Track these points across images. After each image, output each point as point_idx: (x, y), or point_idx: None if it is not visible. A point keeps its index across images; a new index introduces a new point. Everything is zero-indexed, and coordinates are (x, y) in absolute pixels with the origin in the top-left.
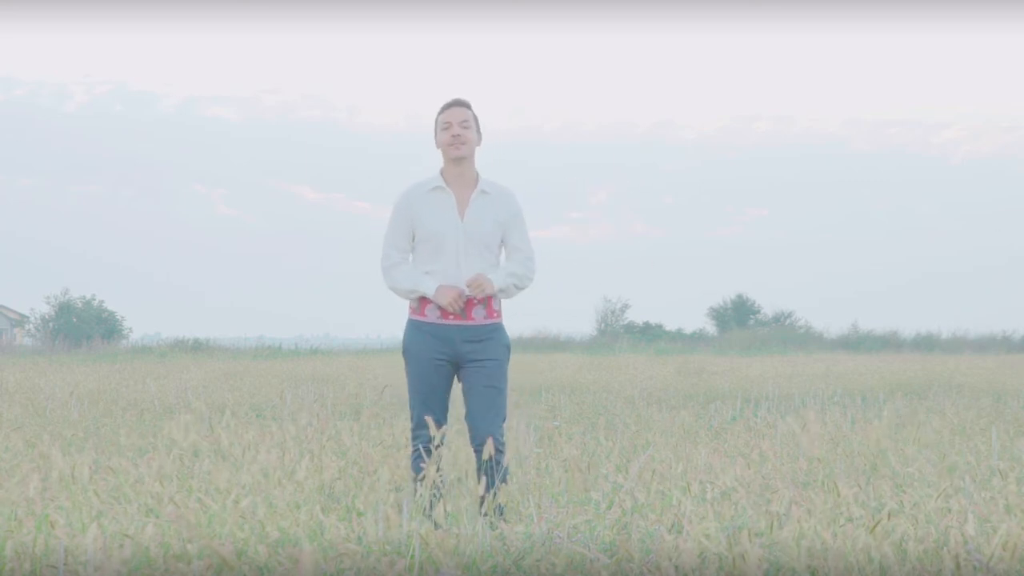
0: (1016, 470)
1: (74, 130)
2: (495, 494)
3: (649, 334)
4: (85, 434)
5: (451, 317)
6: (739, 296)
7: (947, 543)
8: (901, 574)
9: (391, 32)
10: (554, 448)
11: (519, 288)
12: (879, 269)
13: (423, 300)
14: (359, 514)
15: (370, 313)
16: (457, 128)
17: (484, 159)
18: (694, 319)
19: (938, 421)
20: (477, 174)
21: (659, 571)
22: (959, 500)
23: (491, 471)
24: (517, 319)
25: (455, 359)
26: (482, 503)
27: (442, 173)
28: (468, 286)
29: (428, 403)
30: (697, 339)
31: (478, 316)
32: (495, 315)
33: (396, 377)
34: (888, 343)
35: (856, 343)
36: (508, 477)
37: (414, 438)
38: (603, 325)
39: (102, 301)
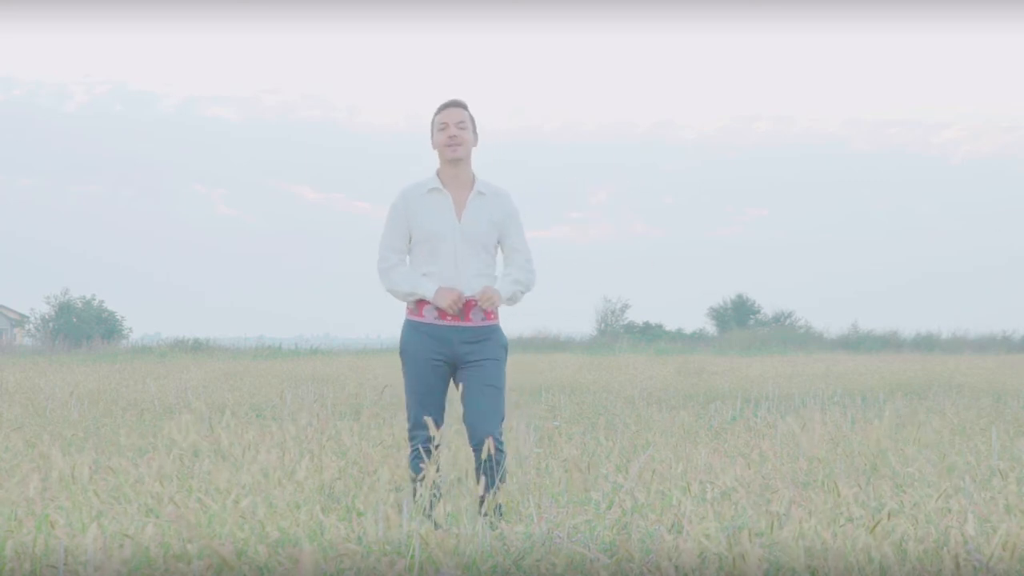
0: (1016, 470)
1: (74, 130)
2: (495, 494)
3: (649, 334)
4: (85, 434)
5: (449, 318)
6: (739, 296)
7: (947, 543)
8: (901, 574)
9: (391, 32)
10: (554, 448)
11: (524, 294)
12: (879, 269)
13: (420, 301)
14: (359, 514)
15: (370, 313)
16: (454, 129)
17: (484, 159)
18: (694, 319)
19: (938, 421)
20: (473, 175)
21: (659, 571)
22: (959, 500)
23: (491, 471)
24: (517, 319)
25: (452, 360)
26: (482, 503)
27: (438, 174)
28: (479, 301)
29: (425, 404)
30: (697, 339)
31: (475, 317)
32: (492, 316)
33: (396, 377)
34: (888, 343)
35: (856, 343)
36: (507, 477)
37: (411, 439)
38: (603, 325)
39: (102, 301)
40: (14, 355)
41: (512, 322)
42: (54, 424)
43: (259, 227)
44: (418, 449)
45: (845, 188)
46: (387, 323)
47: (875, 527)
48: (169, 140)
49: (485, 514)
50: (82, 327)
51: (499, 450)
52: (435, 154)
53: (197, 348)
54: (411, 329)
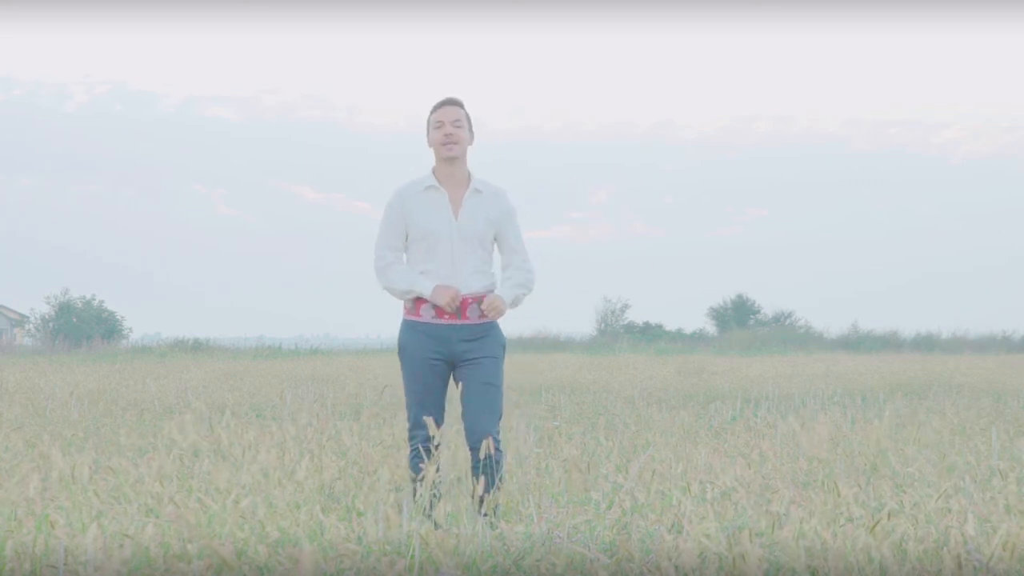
0: (1016, 470)
1: (74, 130)
2: (494, 494)
3: (649, 334)
4: (85, 434)
5: (446, 316)
6: (739, 296)
7: (947, 543)
8: (901, 574)
9: (391, 32)
10: (554, 448)
11: (525, 296)
12: (879, 269)
13: (418, 300)
14: (359, 514)
15: (370, 313)
16: (450, 127)
17: (484, 159)
18: (694, 319)
19: (938, 421)
20: (469, 173)
21: (659, 571)
22: (959, 500)
23: (490, 470)
24: (517, 319)
25: (451, 358)
26: (481, 503)
27: (434, 172)
28: (484, 311)
29: (424, 403)
30: (697, 339)
31: (473, 315)
32: (488, 296)
33: (396, 377)
34: (888, 343)
35: (856, 343)
36: (506, 477)
37: (411, 438)
38: (603, 325)
39: (102, 301)
40: (14, 355)
41: (512, 322)
42: (54, 424)
43: (259, 227)
44: (418, 449)
45: (845, 188)
46: (387, 323)
47: (875, 527)
48: (169, 140)
49: (485, 514)
50: (82, 327)
51: (497, 449)
52: (432, 153)
53: (197, 348)
54: (409, 329)
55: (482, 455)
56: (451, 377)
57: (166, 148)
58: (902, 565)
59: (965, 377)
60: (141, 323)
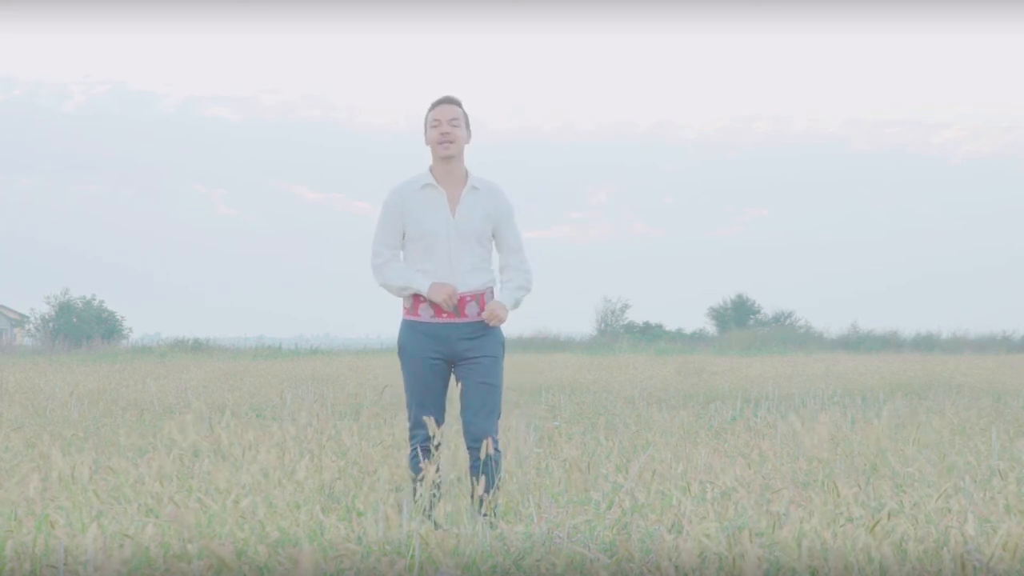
0: (1016, 470)
1: (74, 130)
2: (493, 493)
3: (649, 334)
4: (85, 434)
5: (445, 315)
6: (739, 296)
7: (947, 543)
8: (901, 574)
9: (391, 32)
10: (554, 448)
11: (525, 297)
12: (879, 269)
13: (417, 299)
14: (359, 514)
15: (370, 313)
16: (446, 126)
17: (484, 159)
18: (694, 319)
19: (938, 421)
20: (466, 171)
21: (659, 571)
22: (959, 500)
23: (490, 470)
24: (517, 319)
25: (450, 357)
26: (481, 503)
27: (431, 170)
28: (486, 320)
29: (424, 403)
30: (697, 339)
31: (471, 313)
32: (488, 303)
33: (396, 377)
34: (888, 343)
35: (856, 343)
36: (506, 476)
37: (411, 438)
38: (603, 325)
39: (102, 301)
40: (14, 355)
41: (512, 322)
42: (54, 424)
43: (259, 227)
44: (417, 448)
45: (845, 188)
46: (387, 323)
47: (875, 527)
48: (169, 140)
49: (485, 514)
50: (82, 327)
51: (496, 450)
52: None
53: (197, 348)
54: (408, 328)
55: (482, 455)
56: (452, 376)
57: (166, 148)
58: (902, 565)
59: (965, 377)
60: (141, 323)
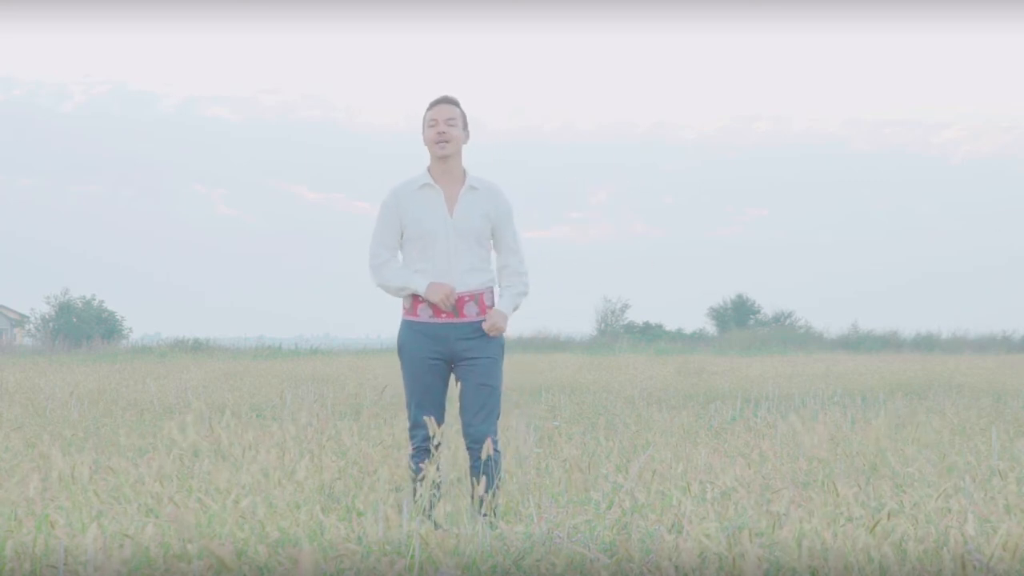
0: (1016, 470)
1: (74, 130)
2: (493, 494)
3: (649, 334)
4: (85, 434)
5: (443, 315)
6: (739, 296)
7: (947, 543)
8: (901, 574)
9: (391, 32)
10: (554, 448)
11: (523, 300)
12: (879, 269)
13: (416, 300)
14: (359, 514)
15: (370, 313)
16: (443, 126)
17: (484, 159)
18: (694, 319)
19: (938, 421)
20: (464, 171)
21: (659, 571)
22: (959, 500)
23: (490, 471)
24: (517, 319)
25: (449, 357)
26: (481, 503)
27: (429, 170)
28: (488, 332)
29: (424, 403)
30: (697, 339)
31: (470, 313)
32: (488, 311)
33: (396, 377)
34: (888, 343)
35: (856, 343)
36: (505, 477)
37: (411, 438)
38: (603, 325)
39: (102, 301)
40: (14, 355)
41: (512, 322)
42: (54, 424)
43: (259, 227)
44: (418, 448)
45: (845, 188)
46: (387, 323)
47: (875, 527)
48: (169, 140)
49: (485, 514)
50: (82, 327)
51: (495, 450)
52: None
53: (197, 348)
54: (407, 328)
55: (483, 456)
56: (451, 375)
57: (166, 148)
58: (902, 565)
59: (965, 377)
60: (141, 323)
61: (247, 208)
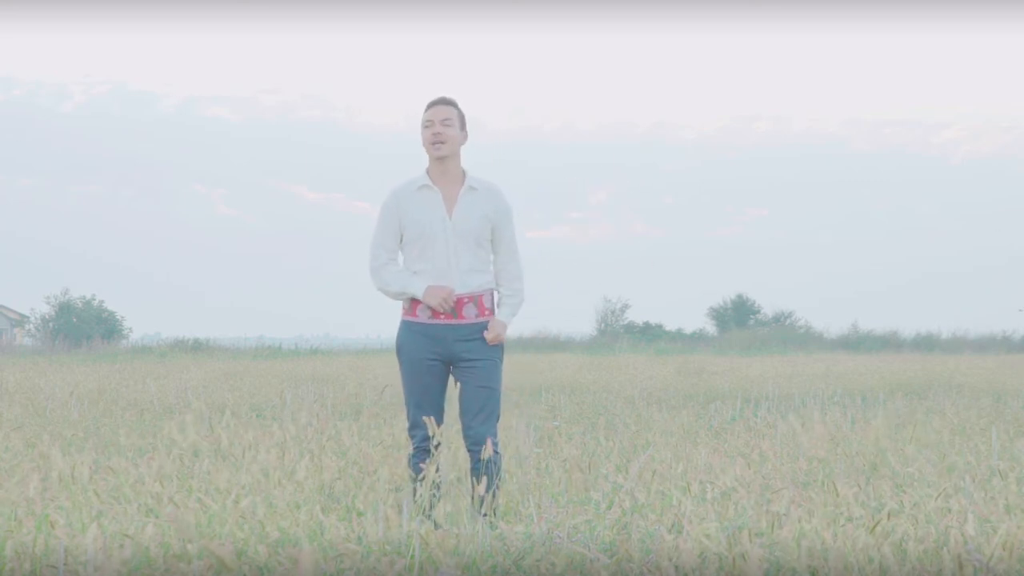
0: (1016, 470)
1: (74, 130)
2: (493, 494)
3: (649, 334)
4: (85, 434)
5: (442, 316)
6: (739, 296)
7: (947, 543)
8: (901, 574)
9: (391, 32)
10: (554, 448)
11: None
12: (879, 269)
13: (414, 300)
14: (359, 514)
15: (370, 313)
16: (438, 127)
17: (484, 159)
18: (694, 319)
19: (938, 421)
20: (464, 171)
21: (659, 571)
22: (959, 500)
23: (490, 472)
24: (516, 319)
25: (448, 359)
26: (481, 503)
27: (428, 172)
28: (490, 343)
29: (422, 404)
30: (697, 339)
31: (469, 315)
32: (487, 313)
33: (396, 377)
34: (888, 343)
35: (856, 343)
36: (505, 477)
37: (411, 438)
38: (603, 325)
39: (102, 301)
40: (14, 355)
41: (512, 322)
42: (54, 424)
43: (259, 227)
44: (417, 448)
45: (845, 188)
46: (387, 323)
47: (875, 527)
48: (169, 140)
49: (485, 514)
50: (82, 327)
51: (495, 451)
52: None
53: (197, 348)
54: (406, 329)
55: (483, 457)
56: (450, 376)
57: (166, 148)
58: (902, 565)
59: (965, 377)
60: (141, 323)
61: (247, 208)
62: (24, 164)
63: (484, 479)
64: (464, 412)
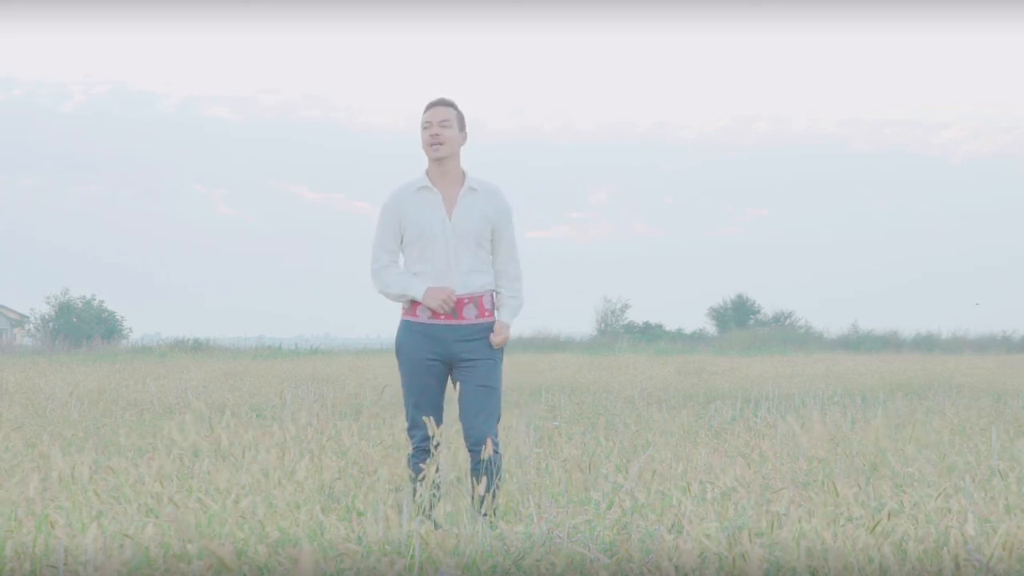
0: (1016, 470)
1: (74, 130)
2: (493, 494)
3: (649, 334)
4: (85, 434)
5: (442, 317)
6: (739, 296)
7: (947, 543)
8: (901, 574)
9: (391, 32)
10: (554, 448)
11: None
12: (879, 269)
13: (414, 301)
14: (359, 514)
15: (370, 313)
16: (437, 128)
17: (484, 159)
18: (694, 319)
19: (938, 421)
20: (463, 172)
21: (659, 571)
22: (959, 500)
23: (490, 472)
24: (516, 318)
25: (448, 359)
26: (482, 503)
27: (427, 173)
28: (495, 346)
29: (421, 404)
30: (697, 339)
31: (469, 315)
32: (487, 314)
33: (396, 377)
34: (888, 343)
35: (856, 343)
36: (505, 477)
37: (410, 438)
38: (603, 325)
39: (102, 301)
40: (14, 355)
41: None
42: (54, 424)
43: (259, 227)
44: (417, 448)
45: (845, 188)
46: (387, 323)
47: (875, 527)
48: (169, 140)
49: (484, 514)
50: (82, 327)
51: (496, 451)
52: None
53: (197, 348)
54: (406, 329)
55: (484, 457)
56: (450, 377)
57: (166, 148)
58: (902, 565)
59: (965, 377)
60: (141, 323)
61: (247, 208)
62: (24, 164)
63: (484, 479)
64: (464, 412)
